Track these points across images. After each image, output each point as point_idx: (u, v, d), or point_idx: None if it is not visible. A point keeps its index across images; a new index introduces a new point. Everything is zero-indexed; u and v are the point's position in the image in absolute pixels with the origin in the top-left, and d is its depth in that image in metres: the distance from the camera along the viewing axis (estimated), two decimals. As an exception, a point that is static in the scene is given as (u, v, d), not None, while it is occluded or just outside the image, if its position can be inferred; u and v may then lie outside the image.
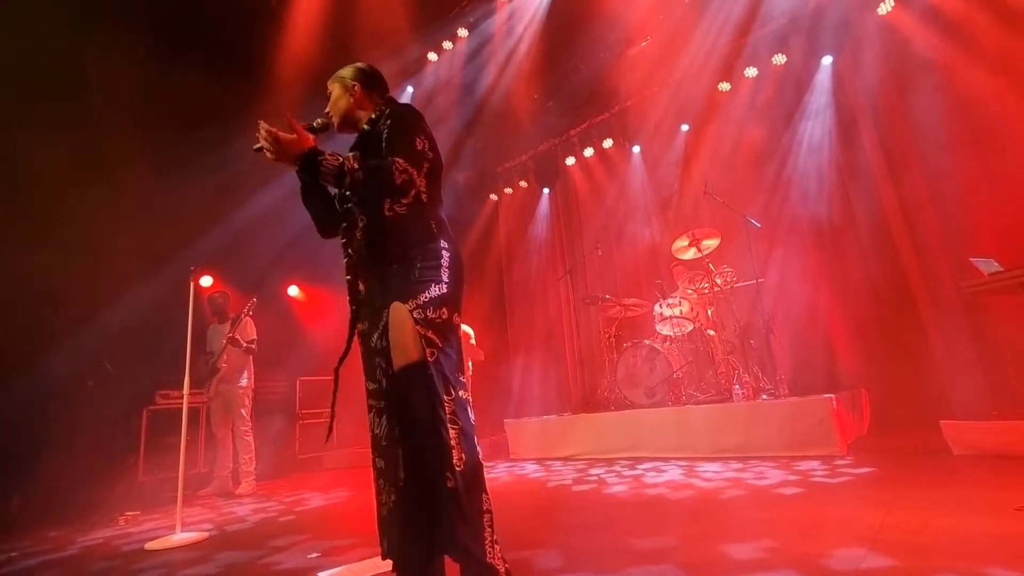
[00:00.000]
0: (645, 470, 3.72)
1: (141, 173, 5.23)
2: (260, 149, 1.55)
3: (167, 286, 4.77)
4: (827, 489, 2.61)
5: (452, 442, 1.47)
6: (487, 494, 1.51)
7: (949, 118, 4.65)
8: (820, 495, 2.51)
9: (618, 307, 5.60)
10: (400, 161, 1.56)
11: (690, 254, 5.25)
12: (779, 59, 5.90)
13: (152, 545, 2.79)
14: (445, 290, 1.59)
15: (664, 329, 5.21)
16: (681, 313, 5.09)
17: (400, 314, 1.54)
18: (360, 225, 1.65)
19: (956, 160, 4.59)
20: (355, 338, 1.70)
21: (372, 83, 1.83)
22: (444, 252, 1.64)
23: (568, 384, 7.49)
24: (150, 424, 5.04)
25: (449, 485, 1.45)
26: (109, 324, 4.77)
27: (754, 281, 4.71)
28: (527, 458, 5.16)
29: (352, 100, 1.79)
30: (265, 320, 5.25)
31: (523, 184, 8.42)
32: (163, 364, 5.15)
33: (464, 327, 5.94)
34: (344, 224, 1.71)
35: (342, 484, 4.56)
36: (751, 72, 6.09)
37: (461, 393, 1.54)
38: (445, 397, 1.50)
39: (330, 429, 1.63)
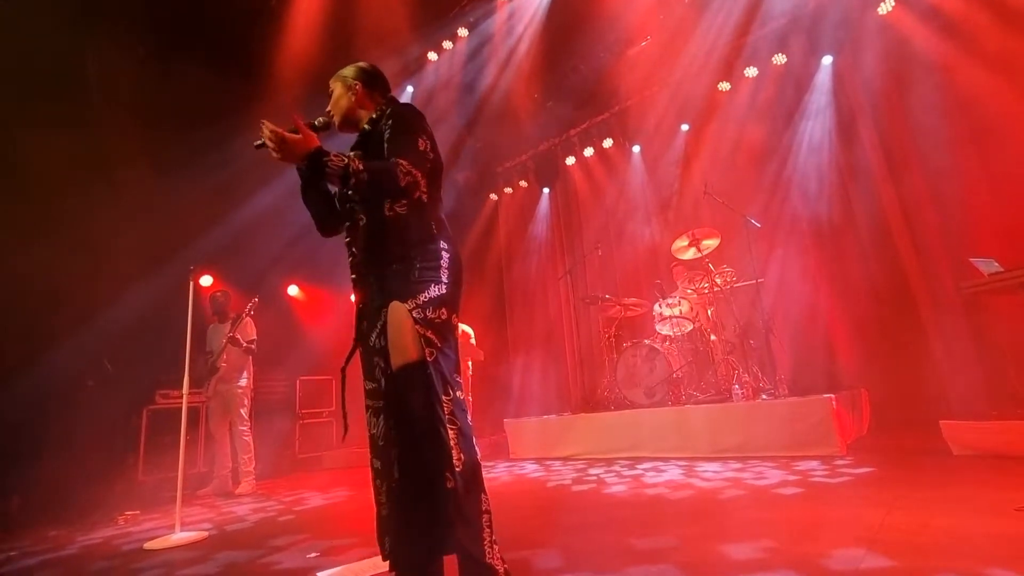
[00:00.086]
0: (645, 470, 3.72)
1: (141, 173, 5.23)
2: (261, 145, 1.55)
3: (167, 286, 4.77)
4: (827, 489, 2.61)
5: (451, 442, 1.46)
6: (486, 494, 1.51)
7: (949, 118, 4.65)
8: (820, 495, 2.51)
9: (618, 307, 5.60)
10: (404, 163, 1.55)
11: (690, 254, 5.25)
12: (779, 59, 5.89)
13: (151, 545, 2.79)
14: (444, 290, 1.59)
15: (664, 329, 5.21)
16: (681, 313, 5.09)
17: (399, 314, 1.54)
18: (360, 224, 1.66)
19: (956, 160, 4.59)
20: None
21: (374, 83, 1.83)
22: (444, 253, 1.64)
23: (568, 384, 7.49)
24: (150, 424, 5.04)
25: (448, 485, 1.45)
26: (109, 324, 4.76)
27: (754, 281, 4.71)
28: (527, 458, 5.16)
29: (354, 99, 1.79)
30: (265, 320, 5.25)
31: (523, 184, 8.42)
32: (163, 364, 5.16)
33: (464, 327, 5.96)
34: (348, 223, 1.71)
35: (342, 484, 4.56)
36: (751, 72, 6.08)
37: (459, 393, 1.54)
38: (444, 397, 1.50)
39: (345, 428, 1.63)
